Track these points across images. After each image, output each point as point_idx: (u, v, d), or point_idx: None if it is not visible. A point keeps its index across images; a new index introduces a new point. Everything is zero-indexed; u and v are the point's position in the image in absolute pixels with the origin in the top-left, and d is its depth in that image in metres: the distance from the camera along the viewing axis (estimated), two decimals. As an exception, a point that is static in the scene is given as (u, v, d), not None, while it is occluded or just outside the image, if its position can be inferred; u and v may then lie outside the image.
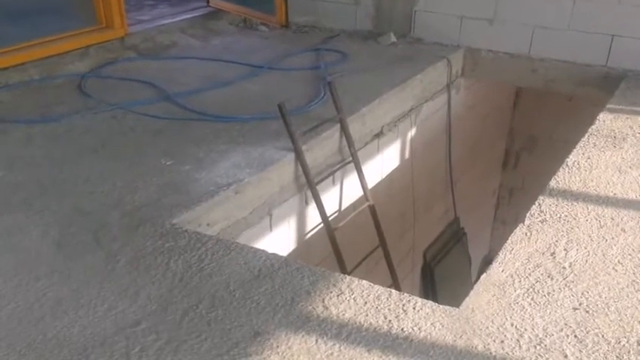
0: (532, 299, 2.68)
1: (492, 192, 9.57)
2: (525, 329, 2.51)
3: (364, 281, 2.78)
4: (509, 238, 3.15)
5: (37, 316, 2.56)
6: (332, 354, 2.37)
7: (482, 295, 2.71)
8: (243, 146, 4.09)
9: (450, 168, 7.07)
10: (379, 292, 2.71)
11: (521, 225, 3.26)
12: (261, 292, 2.70)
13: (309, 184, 4.17)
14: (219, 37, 6.69)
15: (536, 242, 3.10)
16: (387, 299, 2.67)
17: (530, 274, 2.84)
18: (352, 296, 2.68)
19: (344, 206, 4.83)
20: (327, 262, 4.65)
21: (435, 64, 5.87)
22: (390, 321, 2.54)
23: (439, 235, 7.55)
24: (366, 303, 2.64)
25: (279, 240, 4.13)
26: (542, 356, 2.37)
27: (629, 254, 3.01)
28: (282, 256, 2.99)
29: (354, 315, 2.58)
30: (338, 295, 2.69)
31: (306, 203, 4.33)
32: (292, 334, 2.47)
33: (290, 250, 4.36)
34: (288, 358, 2.36)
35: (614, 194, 3.59)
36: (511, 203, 9.59)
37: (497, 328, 2.51)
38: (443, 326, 2.52)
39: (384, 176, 5.39)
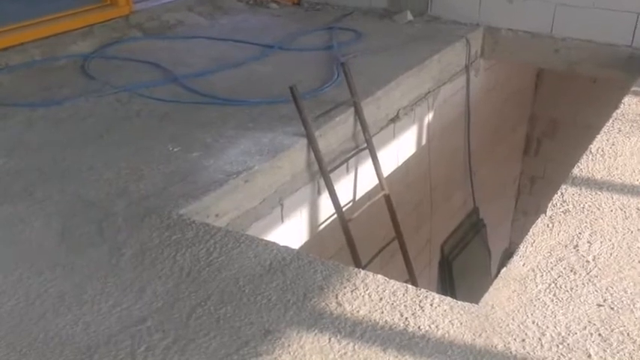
0: (554, 295, 2.66)
1: (513, 180, 9.52)
2: (547, 327, 2.49)
3: (379, 276, 2.77)
4: (531, 229, 3.13)
5: (38, 313, 2.55)
6: (346, 353, 2.36)
7: (503, 290, 2.69)
8: (252, 132, 4.07)
9: (468, 155, 7.05)
10: (395, 287, 2.70)
11: (542, 216, 3.24)
12: (272, 288, 2.69)
13: (322, 172, 4.14)
14: (228, 15, 6.67)
15: (558, 234, 3.07)
16: (404, 295, 2.65)
17: (552, 269, 2.82)
18: (367, 292, 2.67)
19: (358, 196, 4.81)
20: (341, 255, 4.65)
21: (453, 44, 5.82)
22: (406, 318, 2.53)
23: (457, 226, 7.51)
24: (381, 299, 2.63)
25: (290, 232, 4.12)
26: (564, 356, 2.36)
27: (657, 247, 2.99)
28: (293, 249, 2.97)
29: (369, 312, 2.56)
30: (352, 291, 2.68)
31: (319, 193, 4.31)
32: (304, 333, 2.46)
33: (302, 243, 4.35)
34: (300, 358, 2.35)
35: (640, 183, 3.57)
36: (532, 192, 9.54)
37: (518, 326, 2.49)
38: (461, 324, 2.50)
39: (399, 163, 5.37)
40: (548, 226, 3.15)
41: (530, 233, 3.09)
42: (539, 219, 3.21)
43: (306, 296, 2.65)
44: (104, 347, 2.38)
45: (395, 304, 2.60)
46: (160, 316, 2.53)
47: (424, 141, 5.71)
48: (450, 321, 2.52)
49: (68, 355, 2.35)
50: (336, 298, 2.64)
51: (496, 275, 2.84)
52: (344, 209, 4.42)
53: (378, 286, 2.70)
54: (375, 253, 4.84)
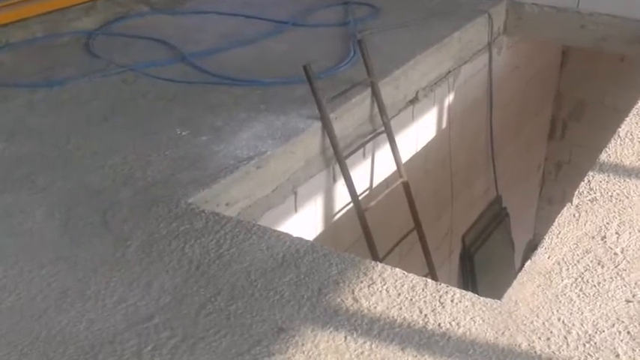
0: (581, 290, 2.63)
1: (537, 166, 9.41)
2: (573, 324, 2.46)
3: (397, 270, 2.75)
4: (556, 219, 3.09)
5: (40, 309, 2.54)
6: (362, 353, 2.35)
7: (527, 285, 2.67)
8: (265, 114, 4.05)
9: (491, 139, 6.99)
10: (414, 282, 2.68)
11: (568, 205, 3.19)
12: (285, 282, 2.68)
13: (337, 157, 4.12)
14: (239, -13, 6.63)
15: (585, 225, 3.04)
16: (423, 290, 2.63)
17: (578, 262, 2.79)
18: (385, 287, 2.65)
19: (375, 183, 4.80)
20: (357, 246, 4.63)
21: (474, 20, 5.76)
22: (425, 315, 2.51)
23: (479, 216, 7.45)
24: (399, 295, 2.61)
25: (304, 222, 4.11)
26: (591, 355, 2.33)
27: (688, 239, 2.96)
28: (307, 241, 2.96)
29: (387, 308, 2.55)
30: (369, 286, 2.66)
31: (334, 180, 4.30)
32: (319, 331, 2.44)
33: (316, 234, 4.34)
34: (315, 358, 2.34)
35: (672, 169, 3.53)
36: (558, 179, 9.44)
37: (543, 324, 2.47)
38: (483, 321, 2.48)
39: (419, 148, 5.34)
40: (574, 215, 3.11)
41: (556, 224, 3.05)
42: (565, 208, 3.17)
43: (321, 291, 2.63)
44: (109, 346, 2.37)
45: (414, 299, 2.59)
46: (167, 313, 2.52)
47: (444, 124, 5.67)
48: (471, 318, 2.50)
49: (71, 354, 2.34)
50: (353, 293, 2.62)
51: (520, 269, 2.83)
52: (360, 198, 4.39)
53: (396, 281, 2.68)
54: (393, 244, 4.82)
